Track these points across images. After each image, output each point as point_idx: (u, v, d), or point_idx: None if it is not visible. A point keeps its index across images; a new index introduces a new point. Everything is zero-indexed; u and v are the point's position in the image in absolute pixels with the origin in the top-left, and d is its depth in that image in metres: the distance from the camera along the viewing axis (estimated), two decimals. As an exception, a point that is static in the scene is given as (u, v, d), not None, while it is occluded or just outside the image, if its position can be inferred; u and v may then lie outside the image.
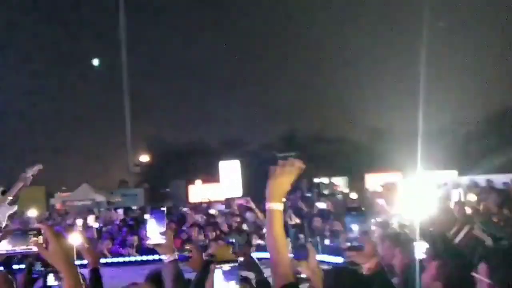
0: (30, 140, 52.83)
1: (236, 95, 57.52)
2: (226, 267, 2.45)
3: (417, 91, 53.05)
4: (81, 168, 48.32)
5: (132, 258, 16.09)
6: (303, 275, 3.85)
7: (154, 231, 3.60)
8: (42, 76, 57.65)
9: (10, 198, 9.88)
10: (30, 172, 9.91)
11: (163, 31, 61.13)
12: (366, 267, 3.95)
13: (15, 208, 10.32)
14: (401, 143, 48.64)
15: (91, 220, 19.12)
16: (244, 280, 3.00)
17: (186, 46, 60.93)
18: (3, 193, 9.71)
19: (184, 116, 56.53)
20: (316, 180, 30.52)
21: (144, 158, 48.49)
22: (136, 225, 18.43)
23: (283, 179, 3.29)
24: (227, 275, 2.44)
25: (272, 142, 48.79)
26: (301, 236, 13.30)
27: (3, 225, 9.65)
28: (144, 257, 15.70)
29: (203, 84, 58.92)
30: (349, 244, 3.68)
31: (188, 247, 4.39)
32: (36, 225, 2.87)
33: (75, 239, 5.30)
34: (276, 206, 3.17)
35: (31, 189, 35.84)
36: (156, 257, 14.47)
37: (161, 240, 3.56)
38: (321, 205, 19.27)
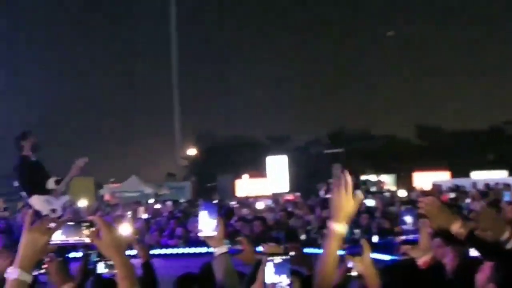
0: (80, 132, 53.63)
1: (286, 90, 57.54)
2: (278, 259, 2.45)
3: (467, 89, 52.40)
4: (130, 160, 48.88)
5: (180, 250, 16.21)
6: (354, 273, 3.83)
7: (206, 223, 3.63)
8: (98, 67, 58.52)
9: (63, 188, 10.05)
10: (81, 163, 10.07)
11: (213, 29, 61.47)
12: (421, 261, 3.90)
13: (67, 197, 10.49)
14: (451, 142, 48.34)
15: (140, 211, 19.35)
16: (296, 274, 3.00)
17: (238, 40, 61.14)
18: (58, 182, 9.88)
19: (232, 110, 56.73)
20: (363, 177, 30.36)
21: (192, 151, 48.80)
22: (183, 217, 18.57)
23: (348, 199, 3.06)
24: (278, 268, 2.44)
25: (319, 138, 48.63)
26: (356, 231, 13.18)
27: (59, 214, 9.82)
28: (192, 249, 15.81)
29: (252, 79, 59.06)
30: (403, 238, 3.63)
31: (239, 239, 4.41)
32: (89, 217, 2.94)
33: (125, 229, 5.38)
34: (338, 227, 3.05)
35: (81, 180, 36.43)
36: (204, 249, 14.59)
37: (213, 232, 3.58)
38: (369, 202, 19.15)
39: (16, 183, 10.27)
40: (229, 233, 15.13)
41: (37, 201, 9.76)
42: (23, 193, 10.11)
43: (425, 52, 60.10)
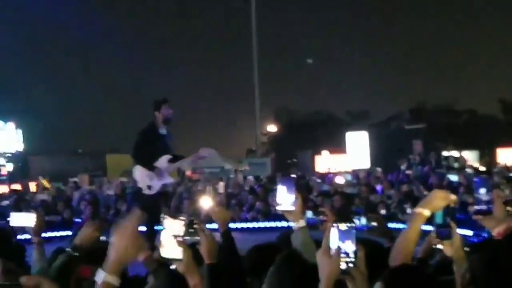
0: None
1: (365, 65, 56.95)
2: (343, 226, 2.46)
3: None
4: (210, 137, 49.44)
5: (261, 224, 16.39)
6: (439, 246, 3.84)
7: (284, 198, 3.68)
8: (182, 47, 59.24)
9: (172, 170, 10.21)
10: (204, 152, 10.21)
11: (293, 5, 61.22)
12: (496, 231, 3.87)
13: (171, 180, 10.60)
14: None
15: (220, 186, 19.61)
16: (366, 243, 3.05)
17: (316, 17, 60.78)
18: (171, 161, 10.01)
19: (311, 86, 56.57)
20: (445, 153, 29.82)
21: (272, 128, 48.93)
22: (263, 192, 18.72)
23: (442, 199, 3.45)
24: (344, 234, 2.45)
25: (400, 114, 47.94)
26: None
27: (153, 192, 9.94)
28: (272, 223, 15.96)
29: (330, 55, 58.66)
30: (476, 207, 3.63)
31: (322, 209, 4.46)
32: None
33: (205, 203, 5.51)
34: (424, 211, 3.40)
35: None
36: (284, 223, 14.71)
37: (291, 207, 3.63)
38: (453, 177, 18.87)
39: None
40: (310, 208, 15.25)
41: (139, 172, 9.97)
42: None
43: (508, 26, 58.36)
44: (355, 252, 2.41)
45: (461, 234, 3.98)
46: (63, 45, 54.96)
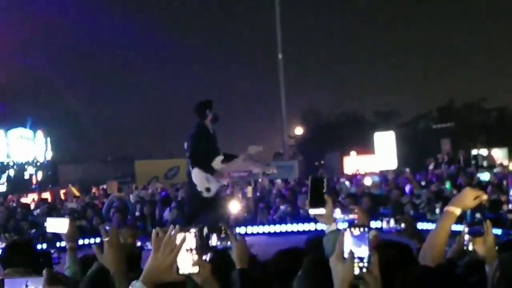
0: (187, 117, 54.65)
1: (391, 64, 56.68)
2: (357, 231, 2.44)
3: None
4: (238, 140, 49.51)
5: (289, 227, 16.35)
6: (470, 247, 3.82)
7: (314, 201, 3.64)
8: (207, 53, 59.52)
9: (227, 169, 10.27)
10: (253, 150, 10.27)
11: (319, 6, 61.16)
12: None
13: (225, 182, 10.66)
14: None
15: (249, 191, 19.61)
16: (389, 246, 3.02)
17: (342, 17, 60.69)
18: (223, 162, 10.05)
19: (338, 87, 56.42)
20: (474, 152, 29.59)
21: (299, 130, 48.88)
22: (291, 195, 18.69)
23: (473, 197, 3.48)
24: (357, 238, 2.43)
25: (428, 112, 47.60)
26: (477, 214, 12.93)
27: (212, 195, 9.98)
28: (300, 226, 15.92)
29: (357, 55, 58.49)
30: (510, 207, 3.62)
31: (353, 208, 4.43)
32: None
33: (234, 207, 5.50)
34: (455, 210, 3.44)
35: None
36: (312, 226, 14.69)
37: (322, 210, 3.60)
38: (483, 176, 18.72)
39: (186, 147, 10.50)
40: (351, 198, 15.18)
41: (197, 174, 10.01)
42: (188, 160, 10.31)
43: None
44: (369, 257, 2.39)
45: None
46: (92, 53, 55.39)
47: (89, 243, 14.03)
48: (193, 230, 2.68)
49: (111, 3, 53.09)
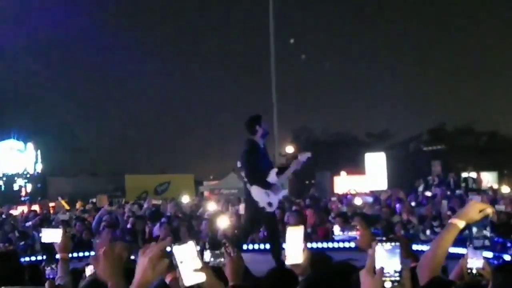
0: (181, 132, 54.65)
1: (383, 86, 56.88)
2: (388, 246, 2.45)
3: None
4: (229, 158, 49.45)
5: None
6: (474, 271, 3.82)
7: (292, 248, 3.54)
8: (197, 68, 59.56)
9: (283, 181, 10.34)
10: (304, 157, 10.35)
11: (310, 24, 61.41)
12: None
13: (285, 192, 10.76)
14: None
15: (241, 208, 19.54)
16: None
17: (334, 37, 60.93)
18: (278, 174, 10.13)
19: (329, 107, 56.57)
20: (464, 174, 29.71)
21: (290, 149, 48.87)
22: (281, 214, 18.66)
23: (479, 210, 3.40)
24: (388, 253, 2.44)
25: (419, 134, 47.79)
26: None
27: (273, 209, 10.11)
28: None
29: (348, 76, 58.71)
30: None
31: (354, 224, 4.39)
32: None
33: (223, 223, 5.51)
34: (459, 222, 3.37)
35: (182, 177, 37.34)
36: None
37: (299, 259, 3.49)
38: (476, 198, 18.77)
39: (239, 165, 10.55)
40: (326, 230, 15.17)
41: (257, 192, 10.04)
42: (245, 178, 10.35)
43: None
44: (400, 271, 2.40)
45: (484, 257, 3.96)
46: (84, 66, 55.36)
47: (78, 255, 13.97)
48: (190, 242, 2.69)
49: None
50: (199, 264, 2.67)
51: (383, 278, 2.38)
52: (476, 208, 3.35)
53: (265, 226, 10.74)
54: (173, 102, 55.90)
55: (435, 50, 60.28)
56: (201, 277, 2.66)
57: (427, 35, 60.38)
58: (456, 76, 58.46)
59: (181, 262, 2.64)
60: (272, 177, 10.02)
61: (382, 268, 2.38)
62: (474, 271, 3.85)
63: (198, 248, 3.81)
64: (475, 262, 3.88)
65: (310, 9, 62.55)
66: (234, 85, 59.03)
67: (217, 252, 3.85)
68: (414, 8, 62.32)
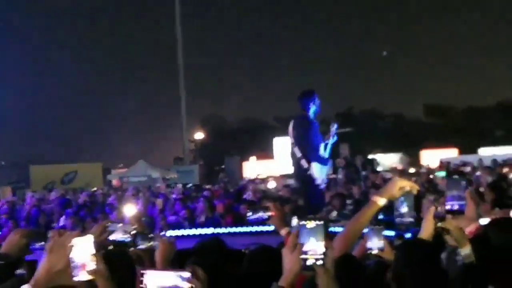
0: (88, 119, 53.65)
1: (293, 72, 57.46)
2: (312, 224, 2.40)
3: (474, 67, 52.16)
4: (137, 145, 48.97)
5: (185, 232, 16.19)
6: (374, 251, 3.91)
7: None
8: (106, 56, 58.57)
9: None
10: (333, 130, 10.22)
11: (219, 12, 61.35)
12: (467, 230, 3.84)
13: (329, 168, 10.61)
14: (459, 120, 48.17)
15: (158, 202, 19.32)
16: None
17: (243, 24, 61.06)
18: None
19: (238, 93, 56.69)
20: (370, 156, 30.32)
21: (199, 135, 48.76)
22: (189, 199, 18.57)
23: (401, 186, 3.34)
24: (312, 232, 2.40)
25: (328, 118, 48.45)
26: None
27: (324, 185, 10.12)
28: (193, 231, 15.75)
29: (256, 61, 58.98)
30: (448, 207, 3.56)
31: (268, 205, 4.30)
32: None
33: (129, 209, 5.38)
34: (379, 199, 3.31)
35: (89, 166, 36.62)
36: (207, 231, 14.53)
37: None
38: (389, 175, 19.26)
39: (292, 140, 10.22)
40: (249, 205, 15.20)
41: (317, 169, 9.80)
42: (299, 153, 10.05)
43: (431, 33, 60.05)
44: (324, 249, 2.36)
45: (385, 235, 3.97)
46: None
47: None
48: (90, 236, 2.57)
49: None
50: (93, 262, 2.53)
51: (305, 256, 2.38)
52: (397, 185, 3.31)
53: (322, 202, 10.62)
54: (82, 91, 54.75)
55: (344, 37, 61.26)
56: (89, 277, 2.53)
57: (332, 22, 61.39)
58: (361, 62, 59.68)
59: (77, 254, 2.51)
60: (323, 151, 10.03)
61: (301, 245, 2.36)
62: (374, 251, 3.85)
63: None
64: (376, 242, 3.89)
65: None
66: (142, 72, 58.46)
67: (150, 235, 3.89)
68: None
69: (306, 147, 9.93)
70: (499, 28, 58.63)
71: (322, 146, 10.00)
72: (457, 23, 59.34)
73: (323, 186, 10.10)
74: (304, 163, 9.89)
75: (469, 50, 58.52)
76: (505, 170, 17.14)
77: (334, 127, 10.28)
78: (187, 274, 2.37)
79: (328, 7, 62.52)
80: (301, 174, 10.38)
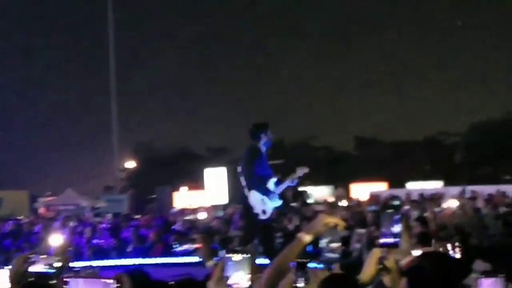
0: (14, 144, 52.42)
1: (223, 102, 57.61)
2: (238, 257, 2.41)
3: (402, 101, 53.32)
4: (66, 173, 48.02)
5: (113, 262, 15.94)
6: (300, 284, 3.85)
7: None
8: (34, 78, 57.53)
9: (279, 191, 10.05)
10: (300, 173, 10.14)
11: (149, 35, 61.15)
12: (402, 263, 3.88)
13: (280, 202, 10.40)
14: (388, 153, 48.99)
15: (87, 231, 19.00)
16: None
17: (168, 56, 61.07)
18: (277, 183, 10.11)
19: (170, 122, 56.45)
20: (300, 188, 30.49)
21: (130, 164, 48.20)
22: (117, 229, 18.31)
23: (323, 224, 3.36)
24: (237, 264, 2.40)
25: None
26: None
27: (267, 217, 10.02)
28: (124, 261, 15.53)
29: (188, 92, 58.95)
30: (382, 240, 3.57)
31: (195, 237, 4.34)
32: None
33: (55, 240, 5.27)
34: (305, 236, 3.30)
35: (15, 194, 35.70)
36: (135, 261, 14.31)
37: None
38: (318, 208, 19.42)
39: (239, 170, 10.10)
40: (179, 236, 15.04)
41: (254, 197, 9.90)
42: (244, 182, 9.93)
43: (360, 64, 61.06)
44: (250, 283, 2.38)
45: (313, 268, 3.98)
46: None
47: None
48: (6, 270, 2.53)
49: None
50: None
51: None
52: (322, 222, 3.32)
53: (259, 233, 10.57)
54: (9, 110, 53.40)
55: (273, 68, 61.76)
56: None
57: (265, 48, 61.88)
58: (291, 93, 60.26)
59: None
60: (271, 184, 9.98)
61: (227, 277, 2.38)
62: (299, 285, 3.86)
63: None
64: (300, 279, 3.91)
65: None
66: (73, 99, 57.70)
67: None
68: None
69: (249, 176, 10.08)
70: (423, 61, 59.97)
71: (272, 180, 10.15)
72: (383, 56, 60.43)
73: (263, 217, 10.14)
74: (246, 191, 10.04)
75: (394, 85, 59.81)
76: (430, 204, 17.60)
77: (302, 173, 10.51)
78: (111, 281, 2.36)
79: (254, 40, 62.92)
80: (242, 203, 10.55)
